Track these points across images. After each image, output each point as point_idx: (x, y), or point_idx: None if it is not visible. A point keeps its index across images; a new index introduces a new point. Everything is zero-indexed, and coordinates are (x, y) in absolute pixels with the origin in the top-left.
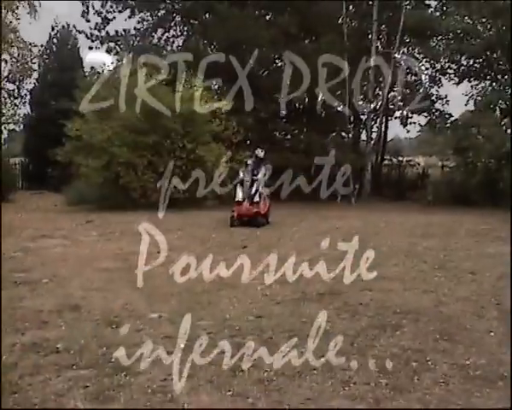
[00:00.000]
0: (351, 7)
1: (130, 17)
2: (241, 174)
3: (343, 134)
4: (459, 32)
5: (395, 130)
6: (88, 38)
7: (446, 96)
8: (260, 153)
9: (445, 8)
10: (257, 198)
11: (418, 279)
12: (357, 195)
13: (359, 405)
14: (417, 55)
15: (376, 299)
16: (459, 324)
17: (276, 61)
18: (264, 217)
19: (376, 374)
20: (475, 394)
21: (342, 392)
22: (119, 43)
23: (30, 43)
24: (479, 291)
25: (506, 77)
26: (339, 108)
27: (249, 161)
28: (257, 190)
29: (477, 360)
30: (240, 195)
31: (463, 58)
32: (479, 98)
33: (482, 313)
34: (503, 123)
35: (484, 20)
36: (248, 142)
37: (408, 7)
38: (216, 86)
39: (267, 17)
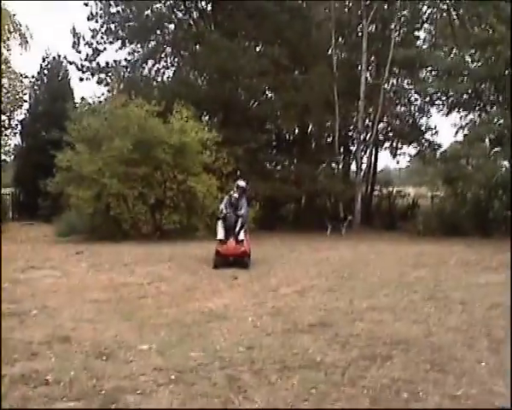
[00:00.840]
0: (340, 38)
1: (120, 48)
2: (223, 208)
3: (333, 165)
4: (448, 63)
5: (385, 160)
6: (79, 70)
7: (435, 127)
8: (242, 183)
9: (433, 40)
10: (242, 236)
11: (409, 309)
12: (347, 225)
13: None
14: (406, 87)
15: (367, 329)
16: (450, 354)
17: (267, 91)
18: (248, 257)
19: (367, 405)
20: None
21: None
22: (109, 74)
23: (21, 74)
24: (469, 321)
25: (495, 108)
26: (329, 139)
27: (233, 194)
28: (242, 227)
29: (468, 390)
30: (222, 233)
31: (452, 89)
32: (467, 129)
33: (473, 343)
34: (491, 153)
35: (472, 51)
36: (238, 172)
37: (397, 39)
38: (206, 117)
39: (257, 48)
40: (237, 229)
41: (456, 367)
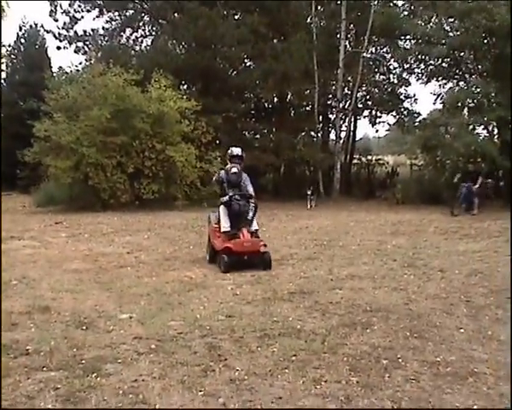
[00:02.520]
0: (319, 6)
1: (98, 17)
2: (226, 189)
3: (312, 134)
4: (427, 31)
5: (364, 129)
6: (56, 38)
7: (415, 96)
8: (237, 149)
9: (412, 8)
10: (255, 225)
11: (388, 277)
12: (326, 194)
13: (331, 403)
14: (385, 55)
15: (347, 297)
16: (429, 321)
17: (246, 60)
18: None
19: (347, 372)
20: (446, 390)
21: (314, 390)
22: (87, 42)
23: None
24: (448, 289)
25: (474, 76)
26: (308, 108)
27: (229, 168)
28: (255, 212)
29: (447, 356)
30: (227, 222)
31: (431, 58)
32: (446, 98)
33: (452, 310)
34: (470, 122)
35: (451, 20)
36: (218, 142)
37: (376, 6)
38: (185, 86)
39: (236, 16)
40: (250, 215)
41: (436, 334)
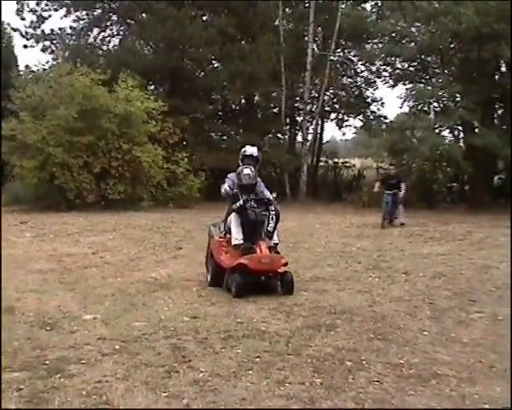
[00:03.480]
0: (287, 8)
1: (65, 16)
2: (238, 194)
3: (279, 136)
4: (394, 35)
5: (331, 132)
6: (23, 37)
7: (382, 99)
8: (252, 149)
9: (380, 12)
10: (276, 238)
11: (352, 280)
12: (292, 196)
13: (294, 404)
14: (353, 58)
15: (311, 299)
16: (393, 323)
17: (213, 61)
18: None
19: (311, 374)
20: (409, 392)
21: (277, 392)
22: (54, 41)
23: None
24: (412, 291)
25: (440, 80)
26: (275, 110)
27: (242, 171)
28: (277, 222)
29: (410, 359)
30: (240, 233)
31: (398, 61)
32: (413, 101)
33: (415, 312)
34: (436, 125)
35: (418, 24)
36: (185, 143)
37: (344, 9)
38: (152, 87)
39: (204, 17)
40: (271, 225)
41: (399, 336)
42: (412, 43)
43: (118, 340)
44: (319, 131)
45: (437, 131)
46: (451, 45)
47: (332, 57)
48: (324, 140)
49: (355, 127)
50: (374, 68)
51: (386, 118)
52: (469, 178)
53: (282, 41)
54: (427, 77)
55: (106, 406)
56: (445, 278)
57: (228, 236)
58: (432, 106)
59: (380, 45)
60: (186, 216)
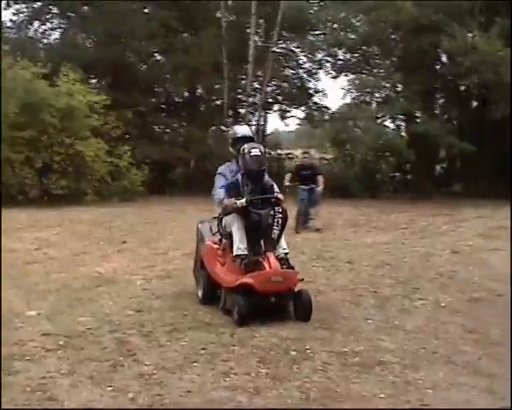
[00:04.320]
0: (230, 1)
1: (5, 8)
2: (242, 189)
3: (222, 128)
4: (335, 26)
5: (274, 123)
6: None
7: (324, 90)
8: (243, 130)
9: (321, 3)
10: (284, 245)
11: (296, 269)
12: None
13: (240, 395)
14: (295, 50)
15: None
16: (337, 312)
17: (156, 54)
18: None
19: (256, 364)
20: (353, 380)
21: (223, 383)
22: None
23: None
24: (356, 280)
25: (382, 70)
26: (218, 102)
27: (253, 151)
28: (284, 226)
29: (355, 347)
30: (244, 241)
31: (340, 52)
32: (355, 92)
33: (359, 301)
34: (378, 116)
35: (359, 15)
36: (128, 136)
37: (286, 0)
38: (94, 80)
39: (146, 10)
40: (276, 232)
41: (344, 325)
42: (354, 34)
43: (62, 335)
44: (262, 122)
45: (379, 121)
46: (392, 36)
47: (274, 49)
48: (267, 132)
49: (298, 118)
50: (316, 59)
51: (328, 109)
52: (412, 168)
53: (225, 33)
54: (369, 67)
55: (51, 401)
56: (389, 266)
57: (224, 241)
58: (374, 96)
59: (322, 36)
60: (130, 210)
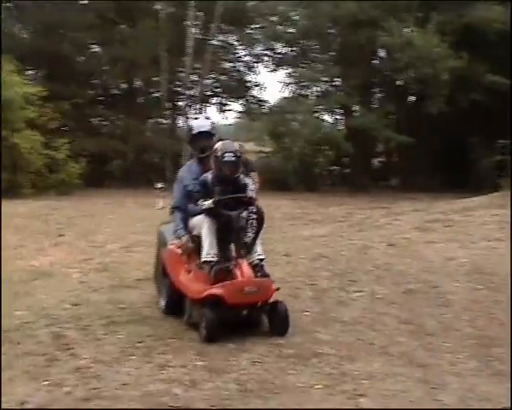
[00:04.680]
0: None
1: None
2: (210, 185)
3: (160, 120)
4: (274, 19)
5: (213, 116)
6: None
7: (263, 84)
8: (203, 124)
9: None
10: (260, 250)
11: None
12: (173, 180)
13: (176, 388)
14: (234, 43)
15: None
16: None
17: (93, 46)
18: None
19: (193, 357)
20: (290, 371)
21: (159, 376)
22: None
23: None
24: (293, 273)
25: (320, 64)
26: (156, 94)
27: (227, 155)
28: (259, 230)
29: (292, 339)
30: (214, 246)
31: (279, 45)
32: (293, 86)
33: (297, 293)
34: (316, 109)
35: (298, 8)
36: (65, 128)
37: None
38: (31, 71)
39: (83, 1)
40: (250, 235)
41: None
42: (293, 28)
43: None
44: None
45: (317, 114)
46: (331, 30)
47: (213, 41)
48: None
49: (236, 112)
50: (255, 53)
51: (267, 102)
52: (350, 162)
53: (163, 25)
54: (308, 61)
55: None
56: (326, 259)
57: (190, 245)
58: (312, 90)
59: (261, 30)
60: (67, 203)
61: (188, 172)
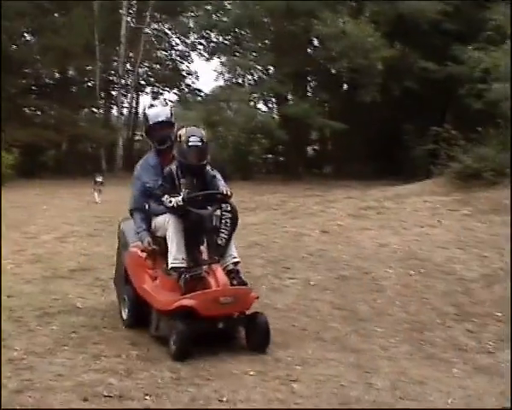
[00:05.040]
0: None
1: None
2: (177, 180)
3: (94, 110)
4: (208, 8)
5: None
6: None
7: (197, 72)
8: (159, 112)
9: None
10: (235, 252)
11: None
12: (108, 170)
13: (110, 377)
14: (168, 31)
15: None
16: None
17: (25, 34)
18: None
19: (128, 346)
20: (223, 357)
21: (93, 366)
22: None
23: None
24: None
25: (254, 53)
26: (89, 84)
27: (192, 139)
28: (233, 230)
29: None
30: (182, 251)
31: (213, 34)
32: (228, 74)
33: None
34: (250, 98)
35: None
36: None
37: None
38: None
39: None
40: (224, 235)
41: None
42: (226, 17)
43: None
44: (135, 104)
45: (252, 103)
46: (265, 19)
47: (146, 30)
48: (140, 114)
49: (170, 101)
50: (189, 41)
51: (201, 91)
52: (284, 150)
53: (97, 14)
54: (242, 50)
55: None
56: (260, 246)
57: (155, 247)
58: (246, 78)
59: (195, 19)
60: None
61: (145, 167)
